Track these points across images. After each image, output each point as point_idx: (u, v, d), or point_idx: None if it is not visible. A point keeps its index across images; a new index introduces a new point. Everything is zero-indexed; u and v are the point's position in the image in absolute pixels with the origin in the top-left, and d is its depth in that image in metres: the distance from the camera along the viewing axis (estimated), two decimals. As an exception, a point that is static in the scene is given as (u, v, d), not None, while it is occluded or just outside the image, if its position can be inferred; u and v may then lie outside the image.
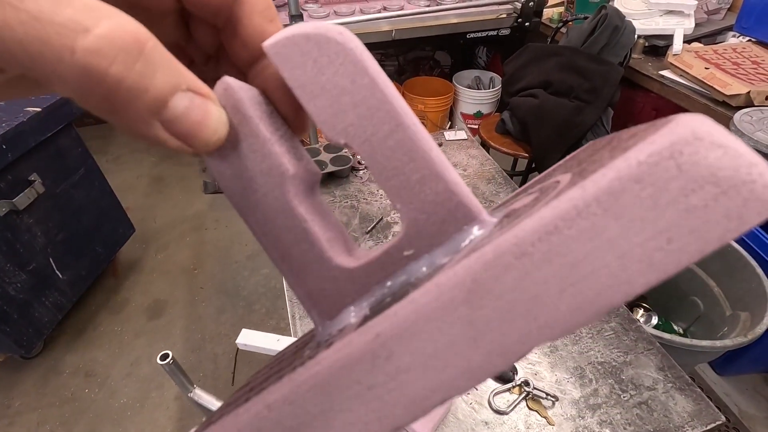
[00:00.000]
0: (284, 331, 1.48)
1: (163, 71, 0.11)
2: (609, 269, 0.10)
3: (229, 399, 0.17)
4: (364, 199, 0.90)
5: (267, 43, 0.13)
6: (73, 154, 1.38)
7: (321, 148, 0.97)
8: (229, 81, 0.14)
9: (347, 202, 0.89)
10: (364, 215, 0.86)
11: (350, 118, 0.14)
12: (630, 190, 0.09)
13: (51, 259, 1.32)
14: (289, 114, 0.15)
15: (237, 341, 0.65)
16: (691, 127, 0.09)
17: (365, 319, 0.13)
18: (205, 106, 0.12)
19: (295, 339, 0.20)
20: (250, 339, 0.65)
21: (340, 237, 0.16)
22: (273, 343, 0.64)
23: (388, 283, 0.15)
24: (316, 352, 0.13)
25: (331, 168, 0.92)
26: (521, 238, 0.10)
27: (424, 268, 0.14)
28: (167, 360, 0.58)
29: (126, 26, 0.10)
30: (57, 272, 1.35)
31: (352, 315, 0.15)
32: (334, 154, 0.95)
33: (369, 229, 0.82)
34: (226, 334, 1.48)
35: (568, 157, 0.17)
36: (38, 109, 1.20)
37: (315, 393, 0.12)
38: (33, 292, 1.28)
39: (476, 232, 0.14)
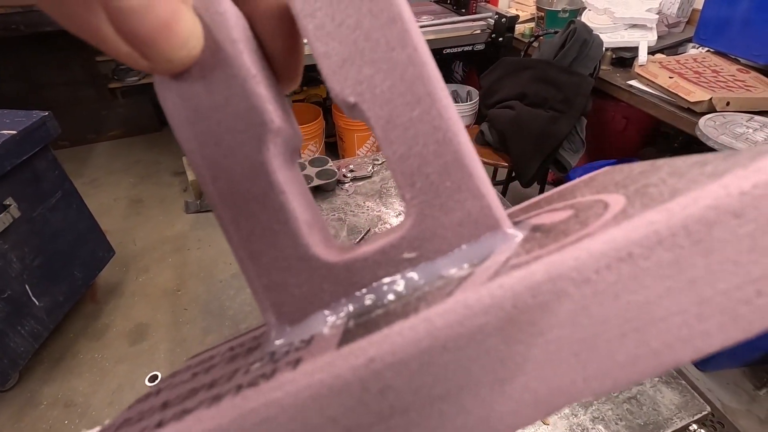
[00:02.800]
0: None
1: None
2: (684, 317, 0.08)
3: (127, 412, 0.12)
4: (351, 211, 0.91)
5: None
6: (50, 177, 1.35)
7: (306, 163, 0.98)
8: None
9: (334, 214, 0.90)
10: (351, 227, 0.87)
11: (369, 72, 0.11)
12: (726, 223, 0.07)
13: (27, 286, 1.28)
14: (279, 57, 0.11)
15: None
16: None
17: (347, 335, 0.10)
18: (174, 4, 0.09)
19: (234, 336, 0.16)
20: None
21: (318, 224, 0.13)
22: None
23: (377, 289, 0.11)
24: (273, 368, 0.10)
25: (316, 182, 0.92)
26: (583, 261, 0.08)
27: (423, 280, 0.11)
28: (156, 382, 0.57)
29: None
30: (33, 299, 1.30)
31: (323, 323, 0.12)
32: (320, 168, 0.96)
33: (357, 240, 0.83)
34: (212, 355, 1.45)
35: (586, 177, 0.16)
36: (13, 132, 1.18)
37: (268, 430, 0.08)
38: (8, 321, 1.23)
39: (499, 245, 0.11)
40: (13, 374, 1.31)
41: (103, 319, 1.58)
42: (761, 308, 0.08)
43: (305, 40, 0.12)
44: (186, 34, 0.09)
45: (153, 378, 0.56)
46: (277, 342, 0.12)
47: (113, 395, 1.34)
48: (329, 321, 0.11)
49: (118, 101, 2.65)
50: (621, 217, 0.08)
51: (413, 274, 0.11)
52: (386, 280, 0.11)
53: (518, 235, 0.11)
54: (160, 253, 1.87)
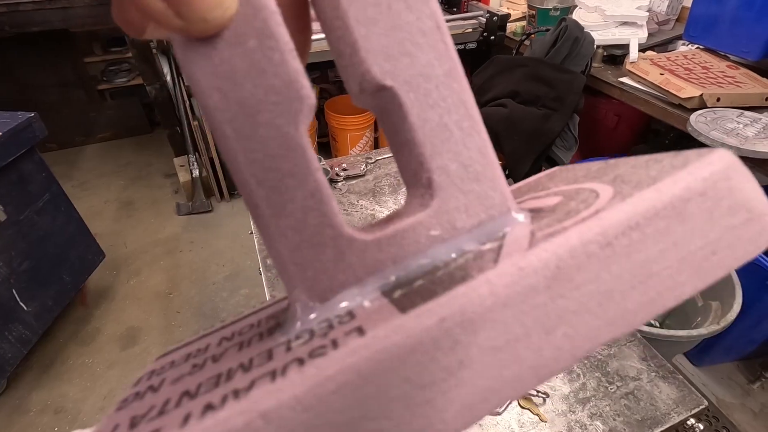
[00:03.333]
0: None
1: None
2: (670, 271, 0.11)
3: (115, 416, 0.12)
4: (344, 210, 0.90)
5: None
6: (37, 180, 1.33)
7: (299, 162, 0.97)
8: None
9: (328, 214, 0.89)
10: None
11: (405, 44, 0.11)
12: (696, 200, 0.10)
13: (14, 291, 1.25)
14: (293, 35, 0.11)
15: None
16: (730, 158, 0.11)
17: (402, 302, 0.10)
18: None
19: (212, 329, 0.15)
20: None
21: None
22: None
23: (406, 264, 0.12)
24: (332, 339, 0.10)
25: (309, 181, 0.91)
26: (606, 228, 0.10)
27: (453, 254, 0.12)
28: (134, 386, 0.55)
29: None
30: (21, 304, 1.28)
31: (358, 298, 0.12)
32: (312, 167, 0.95)
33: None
34: (205, 358, 1.43)
35: (543, 175, 0.18)
36: (-2, 134, 1.15)
37: (343, 396, 0.09)
38: (-5, 327, 1.20)
39: (508, 224, 0.13)
40: (0, 381, 1.28)
41: (93, 324, 1.55)
42: (715, 263, 0.11)
43: (330, 25, 0.12)
44: (227, 9, 0.09)
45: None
46: (312, 316, 0.12)
47: (104, 401, 1.32)
48: (359, 296, 0.12)
49: (107, 103, 2.62)
50: (620, 197, 0.11)
51: (441, 249, 0.12)
52: (415, 255, 0.12)
53: (520, 217, 0.13)
54: (152, 255, 1.85)
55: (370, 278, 0.12)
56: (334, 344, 0.10)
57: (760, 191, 0.11)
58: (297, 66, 0.11)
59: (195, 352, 0.15)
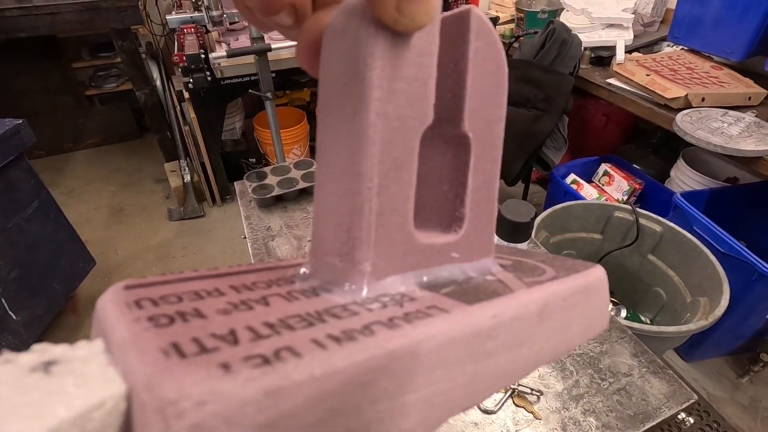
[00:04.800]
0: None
1: None
2: (580, 322, 0.16)
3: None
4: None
5: (476, 9, 0.14)
6: (25, 187, 1.31)
7: (291, 166, 0.97)
8: None
9: (321, 217, 0.89)
10: (339, 229, 0.86)
11: (487, 104, 0.15)
12: (579, 294, 0.16)
13: (3, 300, 1.23)
14: None
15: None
16: (602, 271, 0.17)
17: (460, 297, 0.13)
18: None
19: (220, 271, 0.14)
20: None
21: None
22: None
23: (434, 271, 0.15)
24: (415, 308, 0.12)
25: (302, 184, 0.92)
26: (566, 289, 0.15)
27: (463, 275, 0.16)
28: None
29: None
30: (10, 313, 1.26)
31: (401, 286, 0.14)
32: (305, 171, 0.95)
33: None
34: (199, 364, 1.42)
35: (515, 252, 0.22)
36: (-14, 141, 1.14)
37: (404, 363, 0.10)
38: (-17, 337, 1.18)
39: (493, 267, 0.17)
40: (-10, 392, 1.26)
41: (84, 332, 1.53)
42: (594, 325, 0.17)
43: None
44: (435, 6, 0.12)
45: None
46: (371, 288, 0.13)
47: (97, 409, 1.31)
48: (407, 285, 0.14)
49: (96, 108, 2.60)
50: (564, 275, 0.16)
51: (454, 269, 0.16)
52: (438, 266, 0.15)
53: (496, 264, 0.17)
54: (144, 262, 1.83)
55: (409, 273, 0.14)
56: (425, 314, 0.12)
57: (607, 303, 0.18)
58: (432, 87, 0.13)
59: (210, 291, 0.13)
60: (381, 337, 0.11)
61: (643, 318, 1.15)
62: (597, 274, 0.17)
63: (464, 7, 0.14)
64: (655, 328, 0.86)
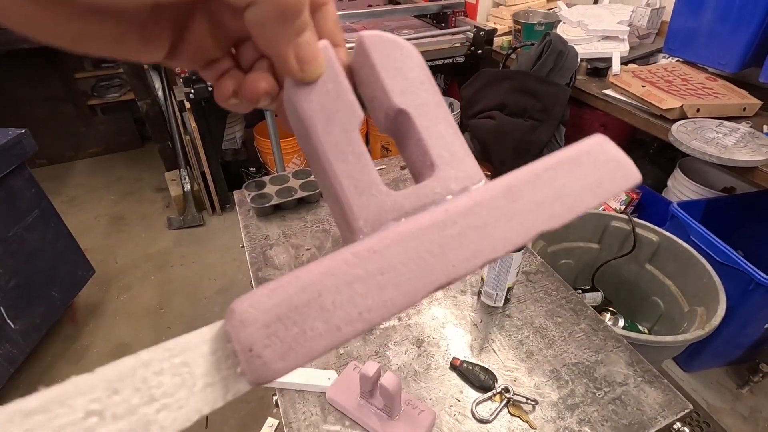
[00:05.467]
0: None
1: (307, 14, 0.17)
2: (576, 192, 0.18)
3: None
4: (334, 223, 0.91)
5: (364, 35, 0.19)
6: (26, 196, 1.32)
7: (290, 175, 0.98)
8: (326, 43, 0.19)
9: (319, 226, 0.90)
10: (336, 238, 0.86)
11: (411, 87, 0.19)
12: (584, 156, 0.18)
13: (2, 308, 1.24)
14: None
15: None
16: (603, 137, 0.19)
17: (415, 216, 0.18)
18: (317, 47, 0.18)
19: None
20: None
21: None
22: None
23: (417, 210, 0.19)
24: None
25: (300, 194, 0.92)
26: (541, 164, 0.18)
27: (445, 200, 0.19)
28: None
29: None
30: (9, 322, 1.26)
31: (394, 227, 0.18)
32: (303, 180, 0.96)
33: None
34: (197, 374, 1.41)
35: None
36: (-12, 150, 1.15)
37: (398, 249, 0.16)
38: (-19, 346, 1.18)
39: (476, 186, 0.20)
40: (-14, 401, 1.25)
41: (82, 341, 1.53)
42: (603, 189, 0.18)
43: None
44: (321, 62, 0.18)
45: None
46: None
47: (93, 419, 1.30)
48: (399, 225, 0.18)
49: (98, 118, 2.62)
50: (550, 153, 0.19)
51: (442, 198, 0.19)
52: (425, 203, 0.19)
53: (481, 183, 0.20)
54: (143, 270, 1.84)
55: (400, 216, 0.18)
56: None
57: (623, 153, 0.18)
58: (354, 98, 0.19)
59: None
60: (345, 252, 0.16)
61: (641, 327, 1.15)
62: (592, 141, 0.18)
63: (357, 35, 0.20)
64: (651, 337, 0.86)
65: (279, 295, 0.14)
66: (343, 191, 0.18)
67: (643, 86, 1.30)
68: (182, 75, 1.50)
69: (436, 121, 0.19)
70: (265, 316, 0.14)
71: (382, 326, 0.68)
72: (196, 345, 0.15)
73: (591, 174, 0.17)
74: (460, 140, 0.20)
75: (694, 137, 1.12)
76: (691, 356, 1.25)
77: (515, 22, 1.80)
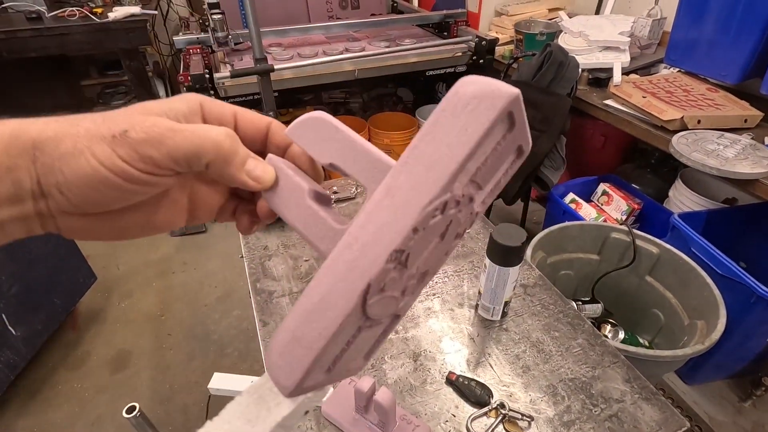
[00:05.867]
0: (259, 373, 1.42)
1: (243, 150, 0.22)
2: (449, 141, 0.18)
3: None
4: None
5: (287, 131, 0.24)
6: (30, 203, 1.33)
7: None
8: (272, 155, 0.24)
9: (318, 237, 0.90)
10: (335, 249, 0.87)
11: (334, 151, 0.23)
12: (442, 112, 0.18)
13: (3, 315, 1.24)
14: (309, 171, 0.25)
15: (209, 386, 0.63)
16: (461, 81, 0.18)
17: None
18: (263, 166, 0.23)
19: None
20: (223, 383, 0.63)
21: (337, 216, 0.24)
22: (248, 385, 0.63)
23: None
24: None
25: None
26: (393, 171, 0.19)
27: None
28: (134, 413, 0.55)
29: (229, 132, 0.22)
30: (10, 328, 1.27)
31: None
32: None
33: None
34: (196, 381, 1.42)
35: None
36: (-8, 159, 1.16)
37: (327, 278, 0.19)
38: (-18, 352, 1.19)
39: None
40: (-14, 408, 1.26)
41: (83, 347, 1.54)
42: (471, 131, 0.17)
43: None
44: (271, 174, 0.23)
45: (130, 409, 0.55)
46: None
47: (92, 427, 1.30)
48: None
49: (103, 124, 2.64)
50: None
51: None
52: None
53: None
54: (144, 277, 1.84)
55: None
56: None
57: (484, 83, 0.17)
58: (298, 179, 0.23)
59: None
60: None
61: (641, 340, 1.14)
62: (449, 93, 0.18)
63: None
64: (651, 352, 0.86)
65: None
66: (311, 242, 0.23)
67: (644, 97, 1.30)
68: (186, 84, 1.52)
69: (361, 166, 0.23)
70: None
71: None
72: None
73: (452, 127, 0.17)
74: (378, 155, 0.22)
75: (695, 149, 1.12)
76: (692, 369, 1.24)
77: (517, 31, 1.81)
